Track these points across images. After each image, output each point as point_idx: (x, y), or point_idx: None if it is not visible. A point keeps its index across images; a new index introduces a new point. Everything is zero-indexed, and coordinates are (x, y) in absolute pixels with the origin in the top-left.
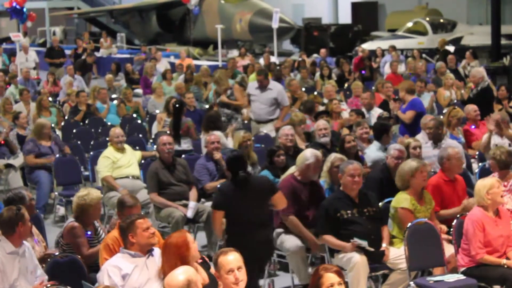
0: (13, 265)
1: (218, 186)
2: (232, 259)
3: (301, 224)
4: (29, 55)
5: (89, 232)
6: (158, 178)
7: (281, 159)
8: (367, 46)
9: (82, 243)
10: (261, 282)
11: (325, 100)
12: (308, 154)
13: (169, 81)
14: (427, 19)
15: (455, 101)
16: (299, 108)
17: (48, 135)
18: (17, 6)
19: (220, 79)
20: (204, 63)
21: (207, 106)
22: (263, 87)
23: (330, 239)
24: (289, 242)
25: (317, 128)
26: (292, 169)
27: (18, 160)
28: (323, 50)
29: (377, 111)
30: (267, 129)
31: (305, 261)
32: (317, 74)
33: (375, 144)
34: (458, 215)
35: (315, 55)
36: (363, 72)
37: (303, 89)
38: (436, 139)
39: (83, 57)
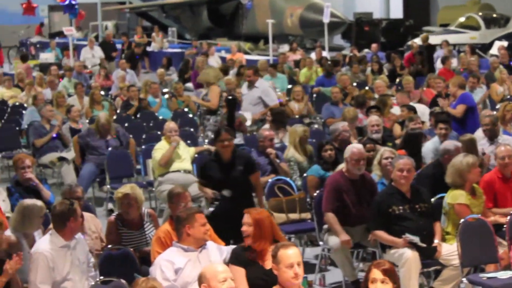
0: (64, 258)
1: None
2: (292, 253)
3: (338, 221)
4: (95, 51)
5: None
6: None
7: (329, 154)
8: (419, 41)
9: (108, 238)
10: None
11: (376, 95)
12: (349, 148)
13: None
14: (480, 14)
15: (508, 96)
16: (351, 102)
17: (103, 130)
18: (72, 1)
19: None
20: (255, 58)
21: None
22: (250, 84)
23: (382, 234)
24: (332, 239)
25: (370, 124)
26: (341, 166)
27: (70, 153)
28: (374, 45)
29: (418, 107)
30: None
31: (349, 258)
32: (368, 69)
33: (434, 139)
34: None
35: (366, 50)
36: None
37: (354, 84)
38: (492, 135)
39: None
